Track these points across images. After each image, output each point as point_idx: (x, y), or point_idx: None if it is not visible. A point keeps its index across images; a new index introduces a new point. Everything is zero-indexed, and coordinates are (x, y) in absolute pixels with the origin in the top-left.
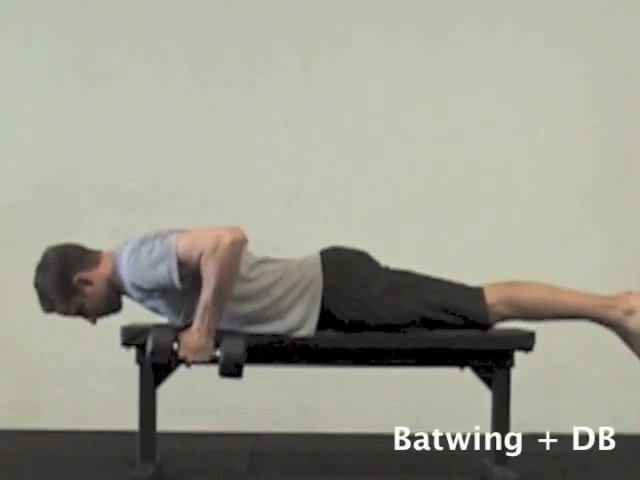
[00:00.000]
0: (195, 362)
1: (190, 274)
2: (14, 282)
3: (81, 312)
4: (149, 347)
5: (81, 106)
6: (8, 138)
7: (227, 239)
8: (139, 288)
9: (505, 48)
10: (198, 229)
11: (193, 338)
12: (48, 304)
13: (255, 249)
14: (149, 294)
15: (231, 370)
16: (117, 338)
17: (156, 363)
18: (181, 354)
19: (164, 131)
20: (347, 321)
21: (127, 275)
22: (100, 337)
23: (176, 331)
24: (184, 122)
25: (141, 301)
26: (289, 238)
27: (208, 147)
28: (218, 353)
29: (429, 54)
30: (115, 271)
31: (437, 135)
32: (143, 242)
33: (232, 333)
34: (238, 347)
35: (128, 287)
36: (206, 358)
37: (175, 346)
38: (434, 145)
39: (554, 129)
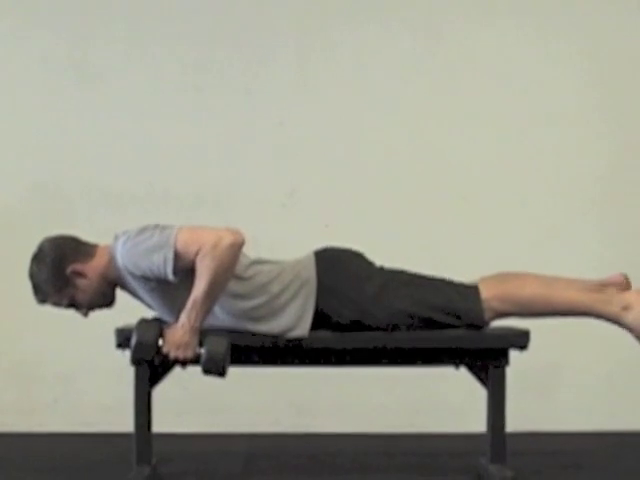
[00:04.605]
0: (178, 358)
1: (184, 269)
2: (9, 284)
3: (73, 304)
4: (133, 342)
5: (74, 107)
6: (1, 140)
7: (228, 240)
8: (132, 275)
9: (499, 47)
10: (200, 226)
11: (178, 334)
12: (41, 295)
13: (250, 249)
14: (143, 284)
15: (213, 368)
16: (112, 340)
17: (139, 358)
18: (164, 349)
19: (158, 132)
20: (342, 321)
21: (121, 259)
22: (95, 339)
23: (161, 326)
24: (178, 122)
25: (135, 293)
26: (284, 238)
27: (203, 147)
28: (202, 351)
29: (423, 53)
30: (111, 261)
31: (432, 134)
32: (142, 230)
33: (216, 331)
34: (221, 345)
35: (123, 274)
36: (189, 355)
37: (160, 342)
38: (429, 144)
39: (548, 128)
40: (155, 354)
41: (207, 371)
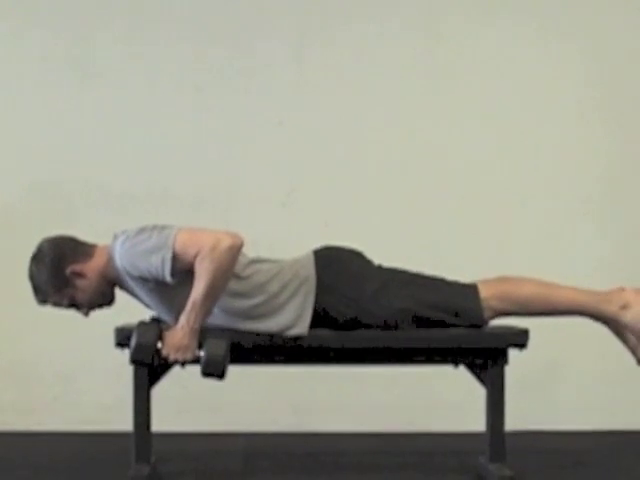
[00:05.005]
0: (177, 361)
1: (183, 270)
2: (9, 284)
3: (74, 304)
4: (132, 344)
5: (74, 107)
6: (0, 139)
7: (226, 242)
8: (129, 275)
9: (499, 47)
10: (199, 228)
11: (177, 336)
12: (41, 296)
13: (249, 249)
14: (142, 284)
15: (213, 371)
16: (111, 339)
17: (139, 360)
18: (164, 352)
19: (158, 131)
20: (341, 319)
21: (119, 259)
22: (95, 338)
23: (161, 329)
24: (178, 122)
25: (134, 293)
26: (283, 238)
27: (202, 147)
28: (202, 353)
29: (423, 53)
30: (110, 261)
31: (432, 134)
32: (141, 231)
33: (216, 333)
34: (220, 349)
35: (122, 274)
36: (189, 357)
37: (160, 344)
38: (429, 144)
39: (548, 127)
40: (154, 356)
41: (206, 374)
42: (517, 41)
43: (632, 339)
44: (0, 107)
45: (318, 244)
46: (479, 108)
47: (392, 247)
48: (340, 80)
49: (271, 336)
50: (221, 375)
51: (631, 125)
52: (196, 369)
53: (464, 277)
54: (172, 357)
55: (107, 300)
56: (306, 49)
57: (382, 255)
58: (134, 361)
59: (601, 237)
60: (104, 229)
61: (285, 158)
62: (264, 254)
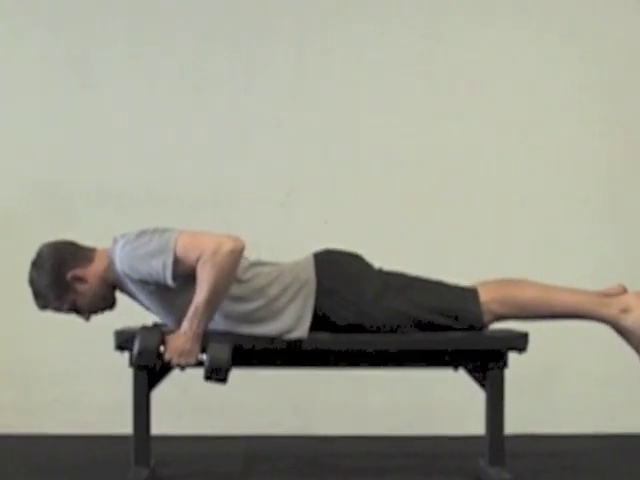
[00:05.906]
0: (180, 365)
1: (184, 274)
2: (9, 285)
3: (74, 309)
4: (135, 349)
5: (74, 107)
6: (0, 140)
7: (228, 246)
8: (129, 278)
9: (499, 47)
10: (200, 231)
11: (180, 341)
12: (42, 301)
13: (249, 250)
14: (142, 287)
15: (216, 376)
16: (111, 341)
17: (142, 365)
18: (166, 357)
19: (157, 132)
20: (341, 323)
21: (120, 263)
22: (94, 340)
23: (163, 333)
24: (177, 123)
25: (134, 296)
26: (283, 238)
27: (201, 148)
28: (204, 357)
29: (423, 53)
30: (110, 265)
31: (432, 134)
32: (141, 234)
33: (219, 338)
34: (224, 353)
35: (122, 278)
36: (192, 362)
37: (162, 348)
38: (428, 144)
39: (550, 128)
40: (157, 361)
41: (209, 379)
42: (517, 41)
43: (634, 340)
44: (0, 107)
45: (317, 244)
46: (479, 108)
47: (392, 248)
48: (340, 80)
49: (271, 340)
50: (224, 380)
51: (631, 125)
52: (196, 372)
53: (464, 277)
54: (175, 361)
55: (108, 304)
56: (306, 49)
57: (382, 256)
58: (137, 366)
59: (601, 237)
60: (104, 230)
61: (284, 158)
62: (263, 254)
